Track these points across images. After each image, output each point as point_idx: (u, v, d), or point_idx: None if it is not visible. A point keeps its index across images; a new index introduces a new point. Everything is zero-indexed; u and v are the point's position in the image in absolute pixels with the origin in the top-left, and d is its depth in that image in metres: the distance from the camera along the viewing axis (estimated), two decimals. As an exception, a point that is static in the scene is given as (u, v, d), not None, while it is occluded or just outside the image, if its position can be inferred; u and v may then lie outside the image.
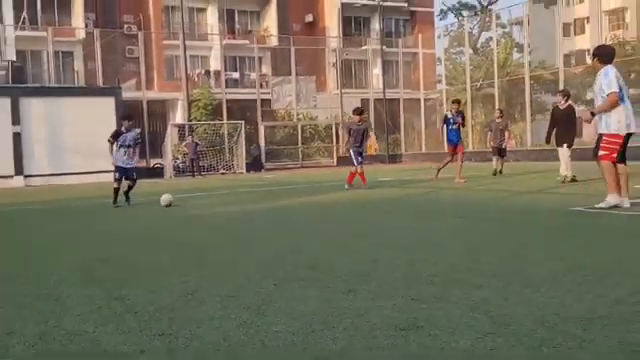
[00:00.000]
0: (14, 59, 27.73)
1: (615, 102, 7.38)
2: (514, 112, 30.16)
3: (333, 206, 10.40)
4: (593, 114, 7.85)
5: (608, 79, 7.43)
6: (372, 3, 39.17)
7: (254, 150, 30.58)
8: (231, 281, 4.28)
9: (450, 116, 14.57)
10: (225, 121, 30.67)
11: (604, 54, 7.78)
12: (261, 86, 33.50)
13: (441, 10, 51.10)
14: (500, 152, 16.85)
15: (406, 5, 42.10)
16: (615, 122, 7.44)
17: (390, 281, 4.05)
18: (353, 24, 41.90)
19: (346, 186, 13.21)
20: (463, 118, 14.99)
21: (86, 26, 33.69)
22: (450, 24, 53.12)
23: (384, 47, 36.58)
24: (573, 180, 12.37)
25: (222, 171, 28.50)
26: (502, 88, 29.93)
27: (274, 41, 38.01)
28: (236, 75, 37.35)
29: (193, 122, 30.09)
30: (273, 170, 29.62)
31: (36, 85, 26.90)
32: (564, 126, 12.70)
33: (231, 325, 3.18)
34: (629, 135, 7.52)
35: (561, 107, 12.89)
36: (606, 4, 41.15)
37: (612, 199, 7.49)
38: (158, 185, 15.18)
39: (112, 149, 11.37)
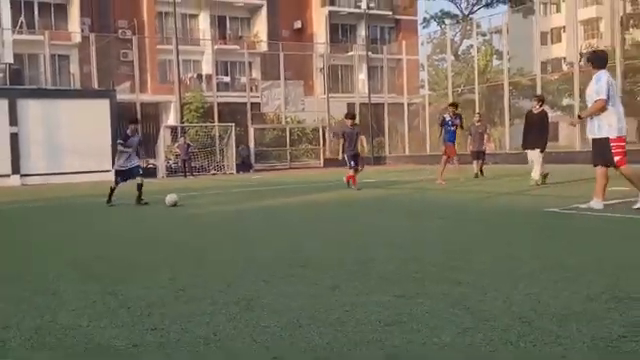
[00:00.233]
0: (12, 62, 27.93)
1: (601, 108, 7.43)
2: (494, 117, 30.18)
3: (325, 205, 10.47)
4: (580, 117, 8.05)
5: (599, 85, 7.46)
6: (358, 11, 39.57)
7: (242, 151, 30.77)
8: (222, 278, 4.32)
9: (448, 118, 14.74)
10: (216, 123, 30.95)
11: (597, 59, 7.79)
12: (251, 90, 33.86)
13: (424, 18, 51.45)
14: (479, 155, 16.91)
15: (391, 13, 42.71)
16: (606, 125, 7.47)
17: (376, 278, 4.13)
18: (340, 31, 42.19)
19: (353, 187, 13.40)
20: (461, 120, 15.06)
21: (82, 30, 33.49)
22: (433, 32, 54.19)
23: (370, 53, 37.09)
24: (544, 177, 12.58)
25: (213, 172, 28.80)
26: (482, 93, 30.05)
27: (264, 47, 38.14)
28: (227, 79, 37.31)
29: (185, 124, 30.32)
30: (262, 171, 29.79)
31: (33, 87, 26.65)
32: (537, 130, 12.71)
33: (221, 320, 3.22)
34: None
35: (535, 111, 12.94)
36: (581, 14, 41.72)
37: (596, 205, 7.63)
38: (151, 185, 15.52)
39: (120, 151, 11.40)
